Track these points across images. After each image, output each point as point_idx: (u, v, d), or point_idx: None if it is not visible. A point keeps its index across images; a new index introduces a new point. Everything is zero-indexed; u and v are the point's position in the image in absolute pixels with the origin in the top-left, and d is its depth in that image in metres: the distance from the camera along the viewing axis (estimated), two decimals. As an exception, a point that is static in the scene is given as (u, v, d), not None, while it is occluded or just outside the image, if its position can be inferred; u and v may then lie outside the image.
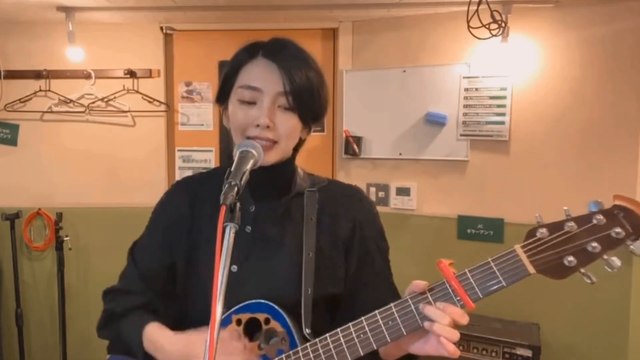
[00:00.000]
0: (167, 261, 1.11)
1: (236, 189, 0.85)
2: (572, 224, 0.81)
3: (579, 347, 2.41)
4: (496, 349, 2.26)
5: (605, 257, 0.80)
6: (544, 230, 0.82)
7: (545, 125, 2.44)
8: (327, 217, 1.09)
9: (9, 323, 2.98)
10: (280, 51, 1.02)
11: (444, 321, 0.85)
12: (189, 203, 1.13)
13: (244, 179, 0.88)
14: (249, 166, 0.91)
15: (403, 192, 2.77)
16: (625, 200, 0.79)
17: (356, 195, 1.15)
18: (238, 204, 0.84)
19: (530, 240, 0.83)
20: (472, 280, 0.85)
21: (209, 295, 1.05)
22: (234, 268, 1.04)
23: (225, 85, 1.06)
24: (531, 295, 2.39)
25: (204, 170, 1.24)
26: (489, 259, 0.85)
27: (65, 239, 2.86)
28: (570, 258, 0.80)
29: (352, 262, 1.09)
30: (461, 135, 2.60)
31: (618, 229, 0.79)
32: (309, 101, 1.02)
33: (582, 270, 0.81)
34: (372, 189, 2.83)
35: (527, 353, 2.21)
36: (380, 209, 3.09)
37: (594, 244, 0.79)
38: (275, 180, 1.08)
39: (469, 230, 2.60)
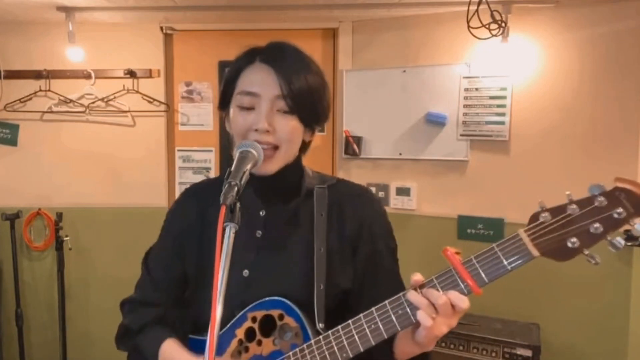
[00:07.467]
0: (179, 269, 1.13)
1: (236, 188, 0.85)
2: (574, 206, 0.81)
3: (579, 347, 2.41)
4: (496, 349, 2.26)
5: (608, 238, 0.80)
6: (546, 214, 0.82)
7: (545, 125, 2.44)
8: (336, 214, 1.10)
9: (9, 323, 2.98)
10: (277, 55, 1.02)
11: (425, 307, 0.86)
12: (198, 210, 1.14)
13: (244, 178, 0.88)
14: (249, 166, 0.91)
15: (403, 192, 2.77)
16: (627, 182, 0.80)
17: (364, 194, 1.15)
18: (238, 204, 0.84)
19: (534, 224, 0.83)
20: (477, 266, 0.86)
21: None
22: (246, 273, 1.05)
23: (225, 91, 1.07)
24: (531, 295, 2.40)
25: (213, 177, 1.25)
26: (494, 245, 0.86)
27: (65, 239, 2.86)
28: (574, 239, 0.81)
29: (361, 261, 1.09)
30: (461, 135, 2.60)
31: (620, 209, 0.78)
32: (309, 103, 1.02)
33: (586, 251, 0.81)
34: (372, 189, 2.82)
35: (527, 353, 2.21)
36: (380, 209, 3.04)
37: (597, 225, 0.79)
38: (283, 185, 1.08)
39: (469, 230, 2.60)
